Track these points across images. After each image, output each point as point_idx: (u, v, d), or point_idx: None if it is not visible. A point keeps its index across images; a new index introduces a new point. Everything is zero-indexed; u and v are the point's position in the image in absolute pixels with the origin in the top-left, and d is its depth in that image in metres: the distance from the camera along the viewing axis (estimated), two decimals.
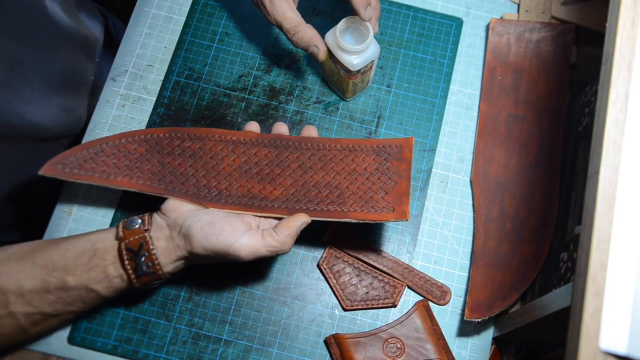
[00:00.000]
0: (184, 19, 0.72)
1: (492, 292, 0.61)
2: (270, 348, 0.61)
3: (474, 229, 0.65)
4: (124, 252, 0.52)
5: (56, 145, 0.68)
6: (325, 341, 0.61)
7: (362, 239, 0.64)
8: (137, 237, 0.52)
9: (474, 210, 0.66)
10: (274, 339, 0.61)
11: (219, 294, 0.63)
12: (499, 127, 0.68)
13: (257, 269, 0.63)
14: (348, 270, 0.63)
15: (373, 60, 0.63)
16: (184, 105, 0.69)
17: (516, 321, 0.57)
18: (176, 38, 0.71)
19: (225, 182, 0.58)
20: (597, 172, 0.40)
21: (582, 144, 0.64)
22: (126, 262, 0.52)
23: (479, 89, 0.71)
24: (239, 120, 0.68)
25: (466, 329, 0.63)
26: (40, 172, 0.56)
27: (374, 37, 0.62)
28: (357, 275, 0.63)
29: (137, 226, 0.53)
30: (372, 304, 0.62)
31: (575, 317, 0.39)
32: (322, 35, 0.62)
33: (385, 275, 0.63)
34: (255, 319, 0.62)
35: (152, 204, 0.57)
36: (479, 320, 0.59)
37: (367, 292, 0.62)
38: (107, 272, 0.52)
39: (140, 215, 0.55)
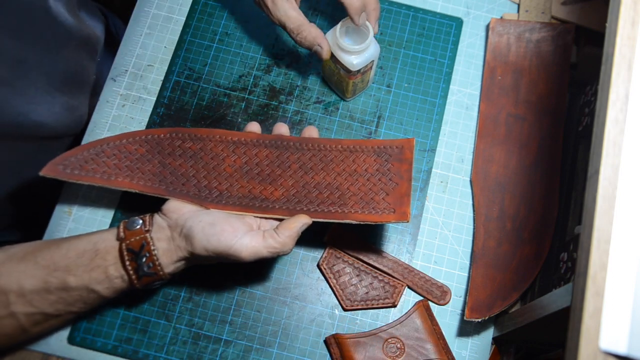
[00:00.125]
0: (184, 19, 0.72)
1: (492, 292, 0.61)
2: (270, 348, 0.61)
3: (474, 229, 0.65)
4: (125, 253, 0.52)
5: (58, 144, 0.68)
6: (325, 341, 0.61)
7: (362, 239, 0.64)
8: (138, 237, 0.52)
9: (474, 210, 0.66)
10: (274, 339, 0.61)
11: (219, 294, 0.63)
12: (499, 127, 0.68)
13: (257, 269, 0.63)
14: (348, 270, 0.63)
15: (373, 60, 0.63)
16: (184, 105, 0.69)
17: (516, 321, 0.57)
18: (176, 38, 0.71)
19: (226, 183, 0.58)
20: (597, 172, 0.40)
21: (582, 144, 0.64)
22: (127, 263, 0.52)
23: (479, 89, 0.71)
24: (239, 120, 0.69)
25: (466, 329, 0.63)
26: (42, 173, 0.56)
27: (374, 37, 0.62)
28: (357, 275, 0.63)
29: (138, 227, 0.53)
30: (372, 304, 0.62)
31: (575, 317, 0.39)
32: None
33: (385, 275, 0.63)
34: (255, 319, 0.62)
35: (152, 204, 0.57)
36: (479, 320, 0.59)
37: (367, 292, 0.62)
38: (108, 273, 0.52)
39: (142, 216, 0.55)
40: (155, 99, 0.69)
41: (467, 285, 0.63)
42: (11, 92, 0.56)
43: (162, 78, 0.70)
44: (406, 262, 0.64)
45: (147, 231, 0.53)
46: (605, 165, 0.40)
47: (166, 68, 0.70)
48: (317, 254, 0.64)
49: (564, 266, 0.58)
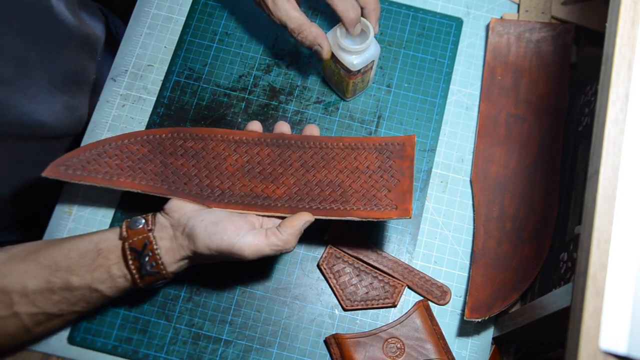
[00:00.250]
0: (184, 19, 0.72)
1: (492, 292, 0.61)
2: (270, 348, 0.61)
3: (474, 229, 0.66)
4: (128, 252, 0.52)
5: (58, 144, 0.68)
6: (325, 341, 0.61)
7: (362, 239, 0.64)
8: (140, 237, 0.53)
9: (474, 210, 0.66)
10: (274, 339, 0.62)
11: (219, 294, 0.63)
12: (499, 127, 0.68)
13: (258, 268, 0.64)
14: (348, 270, 0.63)
15: (373, 61, 0.63)
16: (184, 105, 0.69)
17: (516, 321, 0.57)
18: (176, 38, 0.71)
19: (228, 182, 0.58)
20: (597, 172, 0.41)
21: (582, 144, 0.64)
22: (130, 262, 0.52)
23: (479, 89, 0.71)
24: (239, 120, 0.69)
25: (466, 329, 0.63)
26: (44, 174, 0.56)
27: (374, 37, 0.62)
28: (357, 275, 0.63)
29: (140, 226, 0.53)
30: (372, 304, 0.62)
31: (575, 317, 0.39)
32: None
33: (385, 275, 0.63)
34: (255, 319, 0.62)
35: (152, 204, 0.57)
36: (479, 320, 0.59)
37: (367, 292, 0.62)
38: (111, 272, 0.52)
39: (144, 215, 0.55)
40: (155, 99, 0.69)
41: (467, 285, 0.63)
42: (15, 91, 0.56)
43: (162, 78, 0.70)
44: (406, 262, 0.64)
45: (150, 230, 0.53)
46: (605, 165, 0.40)
47: (166, 68, 0.70)
48: (317, 254, 0.64)
49: (564, 266, 0.58)
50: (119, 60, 0.70)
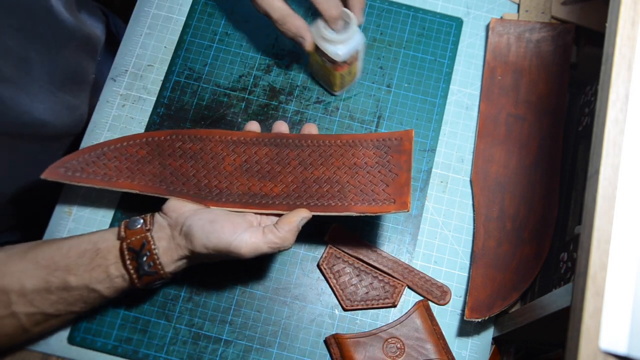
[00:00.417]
0: (184, 19, 0.72)
1: (492, 292, 0.61)
2: (270, 348, 0.61)
3: (474, 229, 0.65)
4: (126, 252, 0.52)
5: (58, 144, 0.68)
6: (325, 341, 0.61)
7: (362, 239, 0.64)
8: (138, 237, 0.53)
9: (474, 210, 0.66)
10: (274, 339, 0.62)
11: (219, 294, 0.63)
12: (499, 127, 0.68)
13: (257, 268, 0.64)
14: (348, 270, 0.63)
15: (359, 51, 0.63)
16: (184, 105, 0.69)
17: (516, 321, 0.57)
18: (176, 38, 0.71)
19: (226, 181, 0.58)
20: (597, 172, 0.40)
21: (582, 144, 0.64)
22: (128, 262, 0.52)
23: (479, 89, 0.71)
24: (239, 120, 0.69)
25: (466, 329, 0.63)
26: (43, 176, 0.56)
27: (359, 27, 0.61)
28: (357, 275, 0.63)
29: (139, 226, 0.53)
30: (372, 304, 0.62)
31: (575, 317, 0.39)
32: None
33: (385, 275, 0.63)
34: (255, 319, 0.62)
35: (152, 204, 0.57)
36: (479, 320, 0.59)
37: (367, 292, 0.62)
38: (109, 272, 0.52)
39: (142, 216, 0.55)
40: (155, 99, 0.69)
41: (467, 285, 0.63)
42: (16, 90, 0.56)
43: (162, 78, 0.70)
44: (406, 262, 0.64)
45: (148, 230, 0.53)
46: (605, 165, 0.40)
47: (166, 68, 0.70)
48: (317, 254, 0.64)
49: (564, 266, 0.58)
50: (119, 60, 0.70)
